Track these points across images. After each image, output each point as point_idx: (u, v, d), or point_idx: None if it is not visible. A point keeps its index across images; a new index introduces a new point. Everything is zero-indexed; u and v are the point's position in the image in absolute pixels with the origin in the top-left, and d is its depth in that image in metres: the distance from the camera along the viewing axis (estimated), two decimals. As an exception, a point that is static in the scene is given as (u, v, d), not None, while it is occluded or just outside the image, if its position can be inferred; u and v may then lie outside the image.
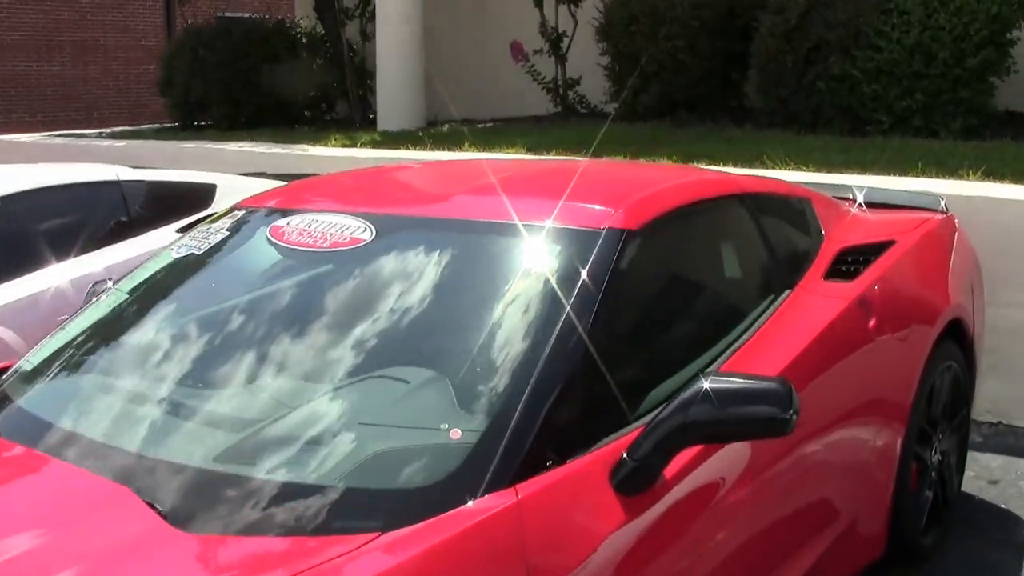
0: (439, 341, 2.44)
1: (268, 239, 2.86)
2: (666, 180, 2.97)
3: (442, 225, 2.67)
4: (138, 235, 5.02)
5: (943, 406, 3.48)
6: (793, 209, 3.39)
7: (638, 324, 2.48)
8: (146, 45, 18.89)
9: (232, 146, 8.12)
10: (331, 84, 10.77)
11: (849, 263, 3.27)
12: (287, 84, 10.46)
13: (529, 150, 6.65)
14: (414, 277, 2.56)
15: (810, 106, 6.84)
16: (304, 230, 2.82)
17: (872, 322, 3.02)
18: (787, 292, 2.94)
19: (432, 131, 8.85)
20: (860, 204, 4.01)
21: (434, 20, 9.91)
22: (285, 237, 2.84)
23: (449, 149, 6.95)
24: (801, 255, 3.18)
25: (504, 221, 2.58)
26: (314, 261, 2.74)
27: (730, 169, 5.60)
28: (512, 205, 2.69)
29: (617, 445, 2.15)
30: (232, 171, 7.44)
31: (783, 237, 3.17)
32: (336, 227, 2.80)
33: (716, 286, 2.83)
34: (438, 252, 2.60)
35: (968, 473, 4.11)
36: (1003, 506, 3.89)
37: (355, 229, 2.77)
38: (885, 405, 3.07)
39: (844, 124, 6.75)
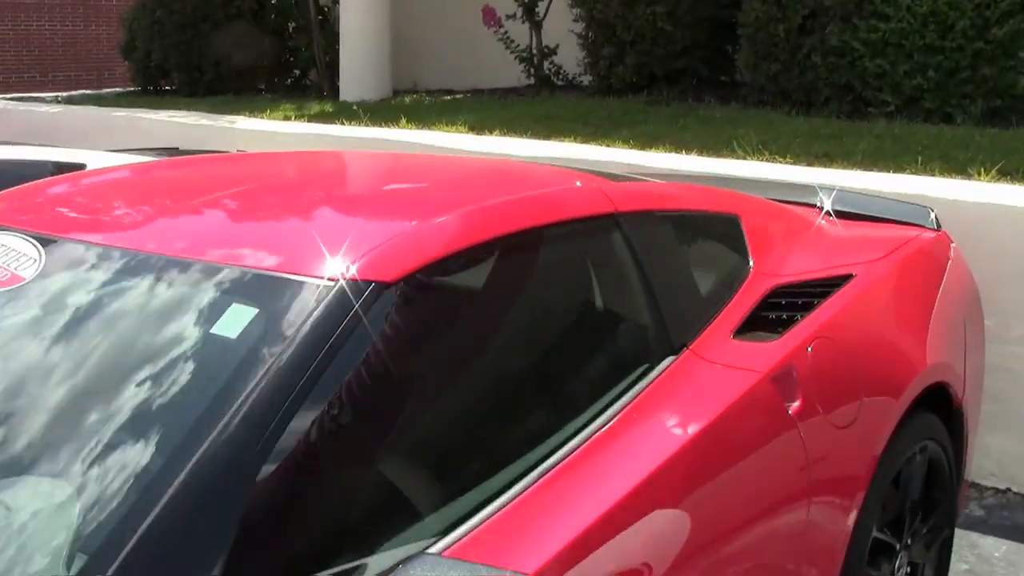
0: (79, 442, 1.56)
1: (-57, 264, 2.01)
2: (496, 194, 2.04)
3: (127, 263, 1.77)
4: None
5: (912, 503, 2.55)
6: (705, 231, 2.46)
7: (379, 432, 1.57)
8: (158, 5, 18.68)
9: (162, 115, 7.30)
10: (299, 49, 9.88)
11: (783, 307, 2.34)
12: (250, 48, 9.60)
13: (471, 129, 5.73)
14: (63, 340, 1.68)
15: (804, 83, 5.84)
16: (-21, 255, 1.96)
17: (796, 404, 2.08)
18: (668, 360, 2.02)
19: (393, 102, 7.96)
20: (828, 212, 3.07)
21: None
22: (-45, 264, 1.98)
23: (385, 125, 6.04)
24: (706, 300, 2.25)
25: (205, 262, 1.69)
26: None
27: (693, 157, 4.65)
28: (237, 233, 1.80)
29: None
30: (158, 143, 6.64)
31: (679, 275, 2.23)
32: (9, 256, 1.94)
33: (544, 361, 1.89)
34: (108, 303, 1.71)
35: (960, 565, 3.17)
36: (1000, 622, 2.95)
37: (23, 261, 1.91)
38: (816, 517, 2.14)
39: (843, 105, 5.74)
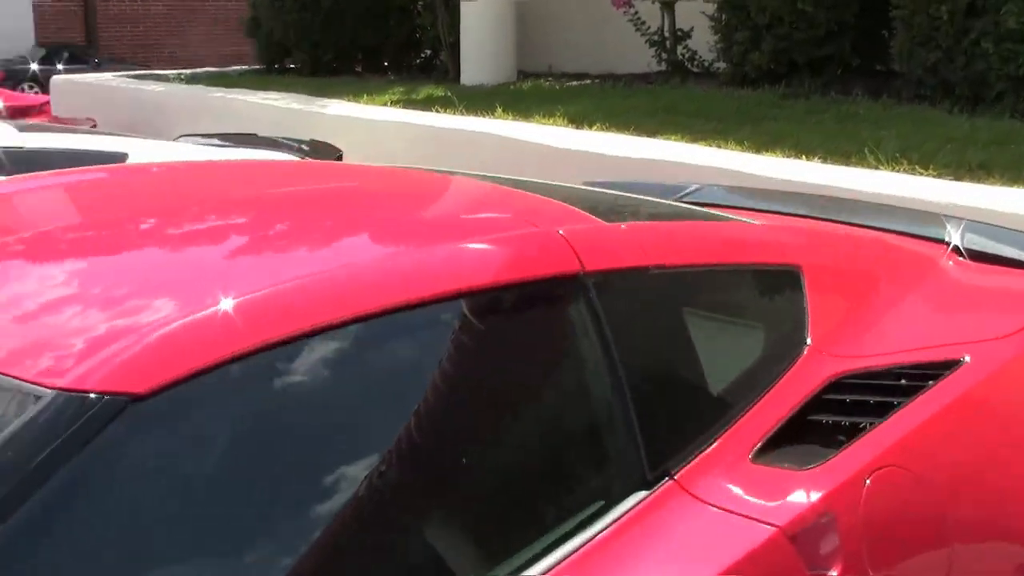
0: None
1: None
2: (388, 241, 1.40)
3: None
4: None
5: None
6: (739, 294, 1.75)
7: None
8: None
9: (257, 98, 6.97)
10: (426, 28, 9.42)
11: (846, 410, 1.61)
12: (371, 27, 9.24)
13: (571, 122, 5.07)
14: None
15: (971, 75, 4.90)
16: None
17: (834, 569, 1.37)
18: (636, 497, 1.34)
19: (512, 87, 7.38)
20: (958, 250, 2.27)
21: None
22: None
23: (481, 115, 5.45)
24: (720, 401, 1.54)
25: None
26: None
27: (813, 165, 3.86)
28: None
29: None
30: (249, 126, 6.27)
31: (677, 364, 1.53)
32: None
33: (420, 509, 1.23)
34: None
35: None
36: None
37: None
38: None
39: (1019, 102, 4.78)
